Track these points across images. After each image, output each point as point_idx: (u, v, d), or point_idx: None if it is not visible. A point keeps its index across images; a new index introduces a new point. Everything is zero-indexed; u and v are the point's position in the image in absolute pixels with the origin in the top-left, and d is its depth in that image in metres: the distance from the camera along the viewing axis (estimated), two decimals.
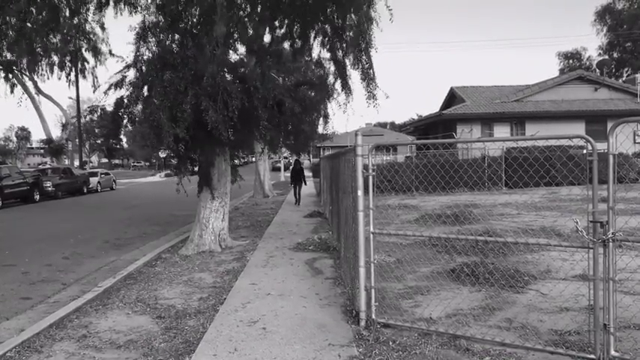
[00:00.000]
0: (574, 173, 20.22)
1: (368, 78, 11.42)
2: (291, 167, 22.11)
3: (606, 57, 55.70)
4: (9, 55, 35.59)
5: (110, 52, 36.22)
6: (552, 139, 4.77)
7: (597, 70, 39.00)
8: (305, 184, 21.50)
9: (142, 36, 9.95)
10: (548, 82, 33.58)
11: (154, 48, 10.03)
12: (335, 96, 12.04)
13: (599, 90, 32.04)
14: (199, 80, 9.30)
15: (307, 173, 36.58)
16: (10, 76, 37.99)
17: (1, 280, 8.82)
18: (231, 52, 11.14)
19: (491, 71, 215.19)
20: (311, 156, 76.23)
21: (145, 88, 9.93)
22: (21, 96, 38.02)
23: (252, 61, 10.58)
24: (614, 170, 4.16)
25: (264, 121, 9.60)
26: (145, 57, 9.92)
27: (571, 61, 63.07)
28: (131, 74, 10.12)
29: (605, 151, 4.21)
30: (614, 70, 57.76)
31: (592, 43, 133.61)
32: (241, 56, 11.20)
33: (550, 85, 32.83)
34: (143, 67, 9.90)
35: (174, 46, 10.14)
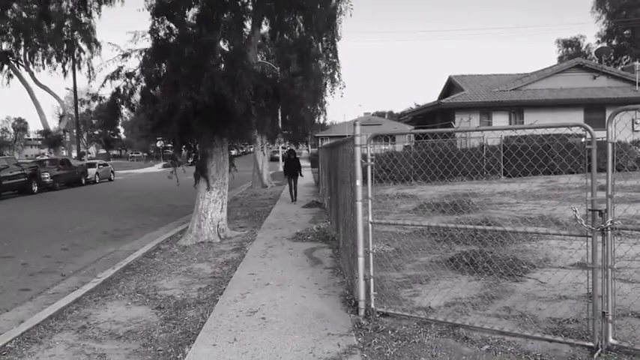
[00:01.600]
0: (573, 162, 20.24)
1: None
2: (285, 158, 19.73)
3: (605, 45, 55.55)
4: (4, 46, 35.48)
5: (96, 43, 36.25)
6: (551, 127, 4.77)
7: (596, 58, 38.87)
8: (301, 175, 19.17)
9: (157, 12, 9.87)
10: (547, 70, 33.45)
11: (167, 28, 9.94)
12: (330, 86, 12.14)
13: (597, 78, 31.94)
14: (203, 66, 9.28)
15: (305, 163, 36.34)
16: (7, 66, 37.78)
17: (0, 272, 8.83)
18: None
19: (490, 60, 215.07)
20: (309, 146, 76.20)
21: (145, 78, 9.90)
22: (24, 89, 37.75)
23: (250, 50, 10.54)
24: (612, 158, 4.16)
25: (261, 110, 9.61)
26: (161, 34, 9.85)
27: (570, 48, 62.90)
28: (130, 65, 10.10)
29: (604, 139, 4.20)
30: (612, 58, 57.61)
31: (591, 30, 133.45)
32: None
33: (549, 73, 32.71)
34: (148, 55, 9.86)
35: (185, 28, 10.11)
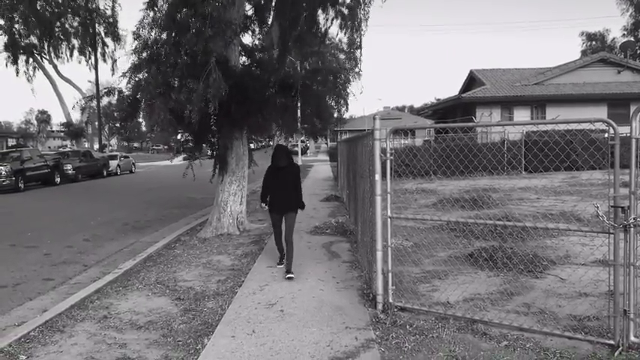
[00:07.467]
0: (595, 157, 19.92)
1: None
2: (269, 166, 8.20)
3: (631, 38, 54.44)
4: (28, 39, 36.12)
5: (119, 38, 36.92)
6: (573, 122, 4.68)
7: (621, 52, 38.15)
8: (302, 207, 7.67)
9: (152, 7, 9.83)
10: (570, 64, 32.95)
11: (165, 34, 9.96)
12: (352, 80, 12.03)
13: (622, 72, 31.34)
14: (219, 64, 9.25)
15: (324, 157, 35.48)
16: (31, 59, 38.41)
17: (23, 262, 9.00)
18: (248, 34, 11.09)
19: (512, 53, 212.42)
20: (328, 140, 76.20)
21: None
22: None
23: (269, 44, 10.53)
24: (636, 154, 4.09)
25: (281, 104, 9.60)
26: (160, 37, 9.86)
27: (594, 42, 61.72)
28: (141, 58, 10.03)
29: (628, 135, 4.14)
30: (638, 52, 56.43)
31: (617, 24, 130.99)
32: (259, 39, 11.14)
33: (572, 67, 32.20)
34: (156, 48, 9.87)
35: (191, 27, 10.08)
